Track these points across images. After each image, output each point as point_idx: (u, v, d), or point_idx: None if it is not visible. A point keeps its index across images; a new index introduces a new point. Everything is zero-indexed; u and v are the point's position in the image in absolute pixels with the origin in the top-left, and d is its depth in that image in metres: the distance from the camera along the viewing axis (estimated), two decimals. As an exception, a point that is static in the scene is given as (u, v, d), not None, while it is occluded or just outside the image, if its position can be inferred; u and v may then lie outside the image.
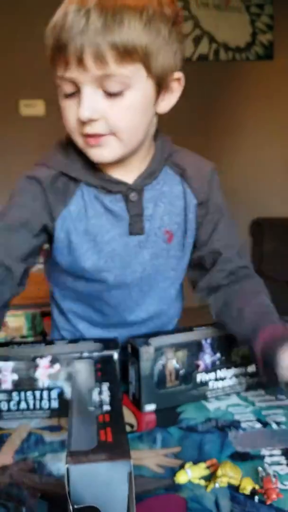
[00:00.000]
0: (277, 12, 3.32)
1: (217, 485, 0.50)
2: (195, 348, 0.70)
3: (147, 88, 0.61)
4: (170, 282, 0.78)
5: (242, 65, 3.32)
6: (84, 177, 0.68)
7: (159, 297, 0.78)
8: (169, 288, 0.78)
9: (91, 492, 0.37)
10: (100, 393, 0.50)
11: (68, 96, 0.61)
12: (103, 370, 0.57)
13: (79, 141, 0.64)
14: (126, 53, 0.56)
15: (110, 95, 0.59)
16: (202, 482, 0.51)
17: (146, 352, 0.66)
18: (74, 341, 0.71)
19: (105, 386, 0.52)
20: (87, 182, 0.68)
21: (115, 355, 0.65)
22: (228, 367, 0.72)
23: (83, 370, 0.58)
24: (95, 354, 0.65)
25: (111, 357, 0.64)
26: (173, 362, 0.68)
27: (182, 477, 0.51)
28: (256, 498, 0.49)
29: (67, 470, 0.37)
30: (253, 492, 0.49)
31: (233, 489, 0.50)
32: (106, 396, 0.49)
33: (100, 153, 0.64)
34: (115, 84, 0.58)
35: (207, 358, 0.71)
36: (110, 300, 0.75)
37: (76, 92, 0.60)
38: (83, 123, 0.60)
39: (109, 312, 0.77)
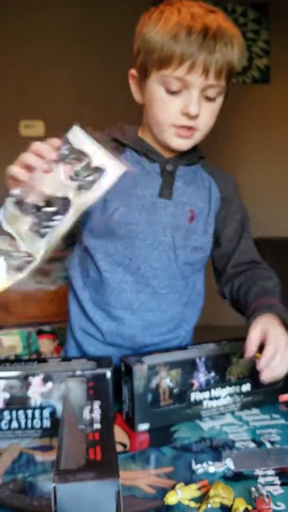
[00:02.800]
0: (273, 38, 3.40)
1: (209, 505, 0.49)
2: (189, 367, 0.69)
3: (222, 98, 0.78)
4: (188, 265, 0.83)
5: (239, 88, 3.39)
6: (132, 144, 0.82)
7: (176, 275, 0.82)
8: (185, 269, 0.83)
9: (78, 511, 0.36)
10: (91, 411, 0.50)
11: (173, 92, 0.73)
12: (95, 388, 0.57)
13: (169, 130, 0.76)
14: (231, 72, 0.74)
15: (208, 99, 0.74)
16: (192, 504, 0.50)
17: (140, 370, 0.66)
18: (67, 359, 0.71)
19: (97, 404, 0.51)
20: (134, 148, 0.82)
21: (108, 374, 0.64)
22: (222, 386, 0.72)
23: (75, 388, 0.58)
24: (88, 372, 0.64)
25: (104, 375, 0.63)
26: (167, 380, 0.68)
27: (172, 498, 0.50)
28: (249, 519, 0.48)
29: (54, 489, 0.36)
30: (246, 513, 0.48)
31: (226, 510, 0.49)
32: (97, 414, 0.49)
33: (183, 143, 0.78)
34: (215, 92, 0.74)
35: (201, 376, 0.70)
36: (135, 259, 0.80)
37: (180, 91, 0.73)
38: (187, 117, 0.73)
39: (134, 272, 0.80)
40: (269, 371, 0.64)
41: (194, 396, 0.70)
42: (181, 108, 0.74)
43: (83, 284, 0.85)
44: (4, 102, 3.08)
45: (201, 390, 0.70)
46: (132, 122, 0.88)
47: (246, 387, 0.74)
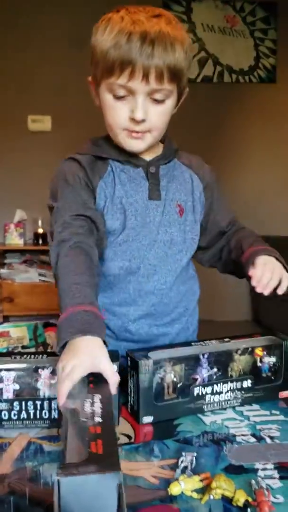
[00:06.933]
0: (280, 38, 3.40)
1: (211, 497, 0.51)
2: (193, 362, 0.71)
3: (175, 98, 0.80)
4: (183, 254, 0.89)
5: (245, 87, 3.39)
6: (113, 156, 0.85)
7: (174, 268, 0.88)
8: (181, 260, 0.89)
9: (80, 504, 0.37)
10: (92, 404, 0.50)
11: (119, 98, 0.76)
12: (96, 382, 0.57)
13: (122, 133, 0.80)
14: (175, 74, 0.75)
15: (156, 101, 0.77)
16: (195, 495, 0.52)
17: (145, 365, 0.68)
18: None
19: (97, 398, 0.52)
20: (116, 159, 0.85)
21: (114, 367, 0.66)
22: (224, 382, 0.74)
23: (77, 382, 0.59)
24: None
25: None
26: (171, 375, 0.70)
27: (175, 488, 0.52)
28: (249, 510, 0.50)
29: (58, 482, 0.37)
30: (246, 505, 0.50)
31: (227, 501, 0.51)
32: (97, 407, 0.50)
33: (137, 144, 0.81)
34: (162, 95, 0.76)
35: (204, 372, 0.72)
36: (133, 265, 0.84)
37: (127, 96, 0.76)
38: (134, 121, 0.77)
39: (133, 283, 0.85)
40: (262, 287, 0.77)
41: (197, 390, 0.72)
42: (128, 113, 0.77)
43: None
44: (13, 97, 3.10)
45: (203, 385, 0.72)
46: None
47: (247, 383, 0.76)
